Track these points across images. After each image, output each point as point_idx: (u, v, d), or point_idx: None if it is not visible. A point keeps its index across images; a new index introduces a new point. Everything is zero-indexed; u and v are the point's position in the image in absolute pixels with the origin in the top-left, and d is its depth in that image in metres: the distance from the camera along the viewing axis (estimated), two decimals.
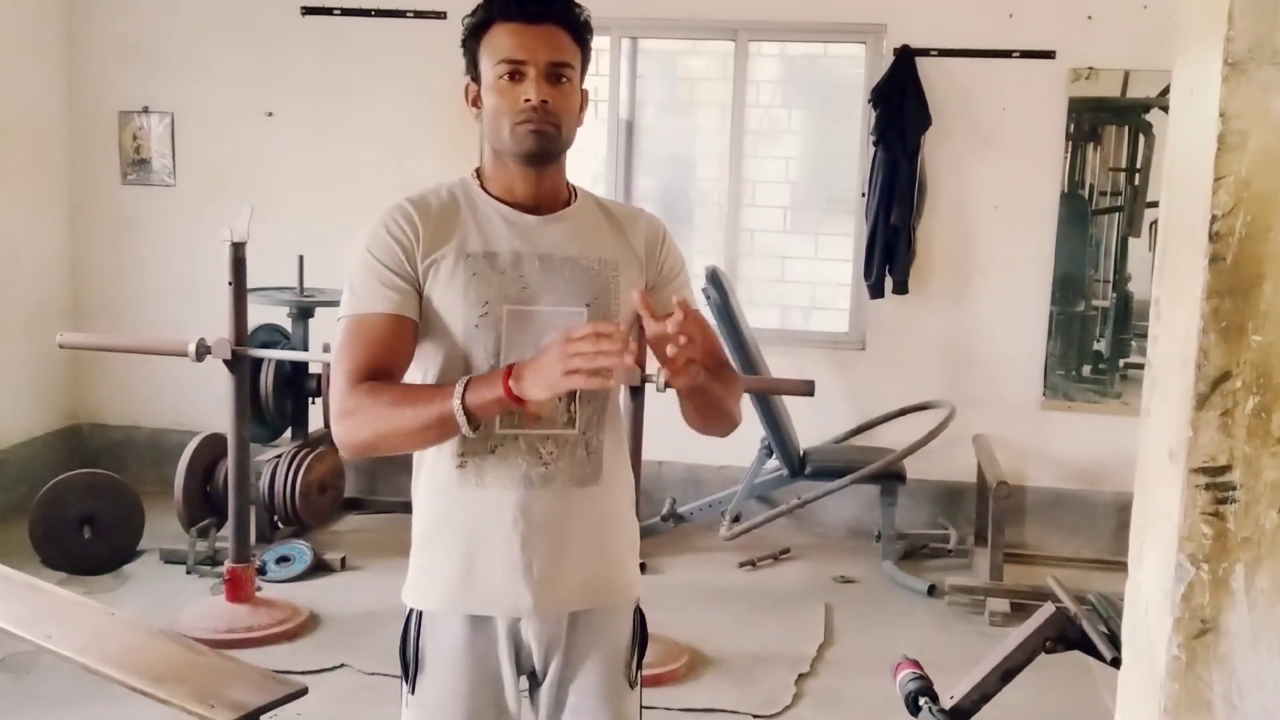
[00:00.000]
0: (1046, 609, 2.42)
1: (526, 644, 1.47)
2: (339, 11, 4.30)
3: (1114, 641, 1.57)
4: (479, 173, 1.50)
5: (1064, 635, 2.37)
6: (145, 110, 4.48)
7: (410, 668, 1.48)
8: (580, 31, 1.44)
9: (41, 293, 4.44)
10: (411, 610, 1.50)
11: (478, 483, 1.44)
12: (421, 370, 1.46)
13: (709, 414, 1.50)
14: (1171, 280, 1.10)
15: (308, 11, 4.32)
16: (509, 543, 1.44)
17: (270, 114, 4.42)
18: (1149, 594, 1.12)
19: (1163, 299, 1.14)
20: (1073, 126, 4.14)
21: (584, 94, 1.48)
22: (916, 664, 2.73)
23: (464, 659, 1.46)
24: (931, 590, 3.81)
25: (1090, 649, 2.33)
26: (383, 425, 1.36)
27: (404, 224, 1.42)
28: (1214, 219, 0.94)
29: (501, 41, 1.40)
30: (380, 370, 1.39)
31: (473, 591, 1.46)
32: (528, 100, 1.38)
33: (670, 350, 1.29)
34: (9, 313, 4.25)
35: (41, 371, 4.40)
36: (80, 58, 4.47)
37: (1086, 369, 4.24)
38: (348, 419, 1.38)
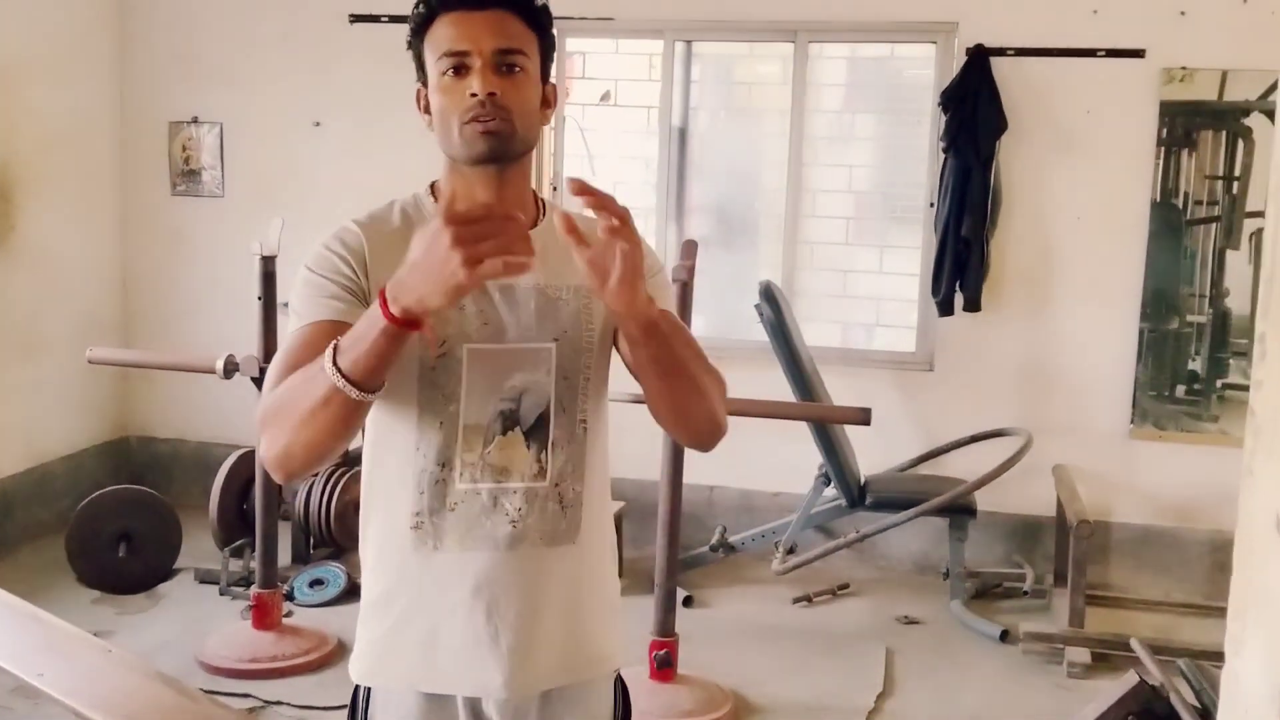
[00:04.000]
0: (1129, 679, 2.12)
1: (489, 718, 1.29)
2: (386, 18, 4.20)
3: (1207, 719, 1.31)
4: (435, 188, 1.32)
5: (1149, 709, 2.06)
6: (195, 120, 4.46)
7: None
8: (535, 16, 1.27)
9: (91, 304, 4.44)
10: (359, 686, 1.32)
11: (435, 545, 1.26)
12: (374, 418, 1.27)
13: (679, 390, 1.22)
14: (1277, 312, 0.86)
15: (355, 19, 4.24)
16: (472, 613, 1.26)
17: (318, 124, 4.36)
18: (1251, 691, 0.88)
19: (1268, 335, 0.90)
20: (1165, 131, 3.81)
21: (550, 89, 1.30)
22: None
23: None
24: (1004, 636, 3.51)
25: None
26: (287, 421, 1.14)
27: (348, 246, 1.26)
28: None
29: (443, 34, 1.24)
30: None
31: (433, 669, 1.28)
32: (473, 94, 1.21)
33: (599, 258, 1.04)
34: (59, 324, 4.25)
35: (90, 383, 4.39)
36: (131, 68, 4.47)
37: (1180, 390, 3.89)
38: (262, 433, 1.18)
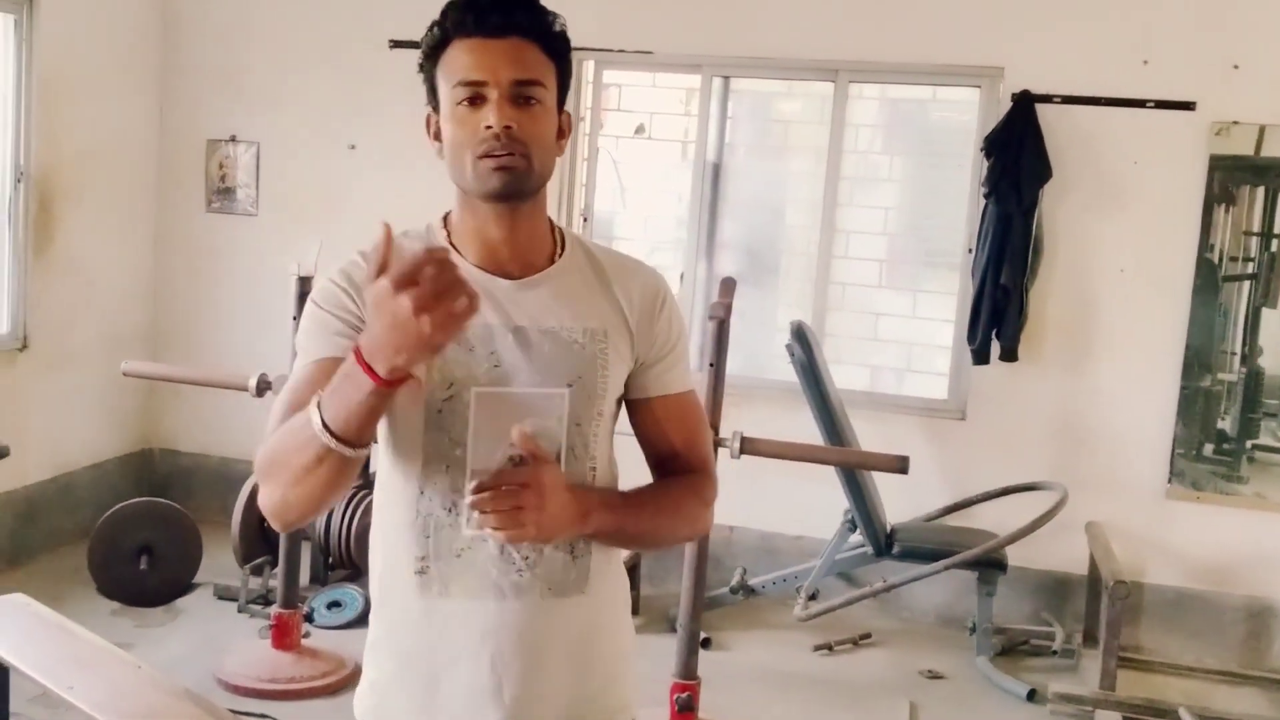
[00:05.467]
0: None
1: None
2: None
3: None
4: (448, 219, 1.29)
5: None
6: (233, 139, 4.49)
7: None
8: (553, 44, 1.22)
9: (121, 316, 4.47)
10: None
11: (440, 591, 1.22)
12: (388, 459, 1.25)
13: (644, 546, 1.34)
14: None
15: (395, 45, 4.26)
16: (476, 662, 1.23)
17: (353, 146, 4.37)
18: None
19: None
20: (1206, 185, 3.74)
21: (565, 118, 1.26)
22: None
23: None
24: (1032, 695, 3.43)
25: None
26: (281, 476, 1.12)
27: (354, 277, 1.22)
28: None
29: (458, 61, 1.20)
30: None
31: (434, 716, 1.25)
32: (488, 127, 1.17)
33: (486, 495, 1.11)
34: (88, 335, 4.28)
35: (116, 395, 4.41)
36: (173, 85, 4.51)
37: (1209, 449, 3.80)
38: (260, 483, 1.16)
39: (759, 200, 4.40)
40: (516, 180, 1.19)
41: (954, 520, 3.93)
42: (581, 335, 1.25)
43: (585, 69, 4.25)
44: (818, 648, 3.73)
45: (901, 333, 4.19)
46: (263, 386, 3.19)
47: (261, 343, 4.19)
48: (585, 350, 1.24)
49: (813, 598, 3.79)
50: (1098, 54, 3.78)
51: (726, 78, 4.22)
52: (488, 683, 1.22)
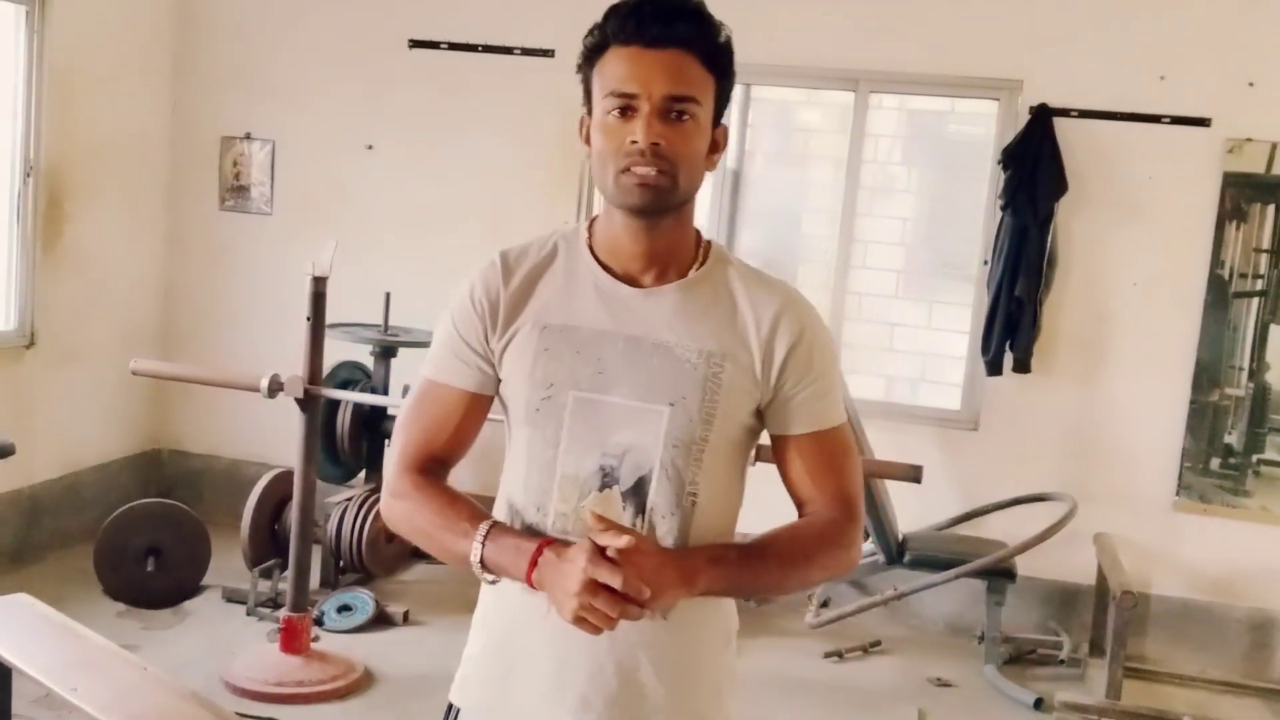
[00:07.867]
0: None
1: None
2: (446, 45, 4.20)
3: None
4: (593, 226, 1.29)
5: None
6: (248, 136, 4.46)
7: None
8: (715, 57, 1.19)
9: (133, 315, 4.43)
10: (451, 705, 1.33)
11: (523, 585, 1.22)
12: (507, 444, 1.30)
13: (769, 594, 1.36)
14: None
15: (415, 44, 4.24)
16: (546, 660, 1.24)
17: (370, 147, 4.35)
18: None
19: None
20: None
21: (719, 132, 1.23)
22: None
23: None
24: (1039, 704, 3.45)
25: None
26: (419, 538, 1.27)
27: (488, 292, 1.26)
28: None
29: (613, 70, 1.18)
30: (436, 456, 1.28)
31: (506, 704, 1.26)
32: (634, 142, 1.16)
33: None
34: (100, 333, 4.24)
35: (125, 394, 4.37)
36: (187, 81, 4.47)
37: (1215, 462, 3.85)
38: (395, 502, 1.28)
39: (778, 208, 4.42)
40: (658, 197, 1.18)
41: (964, 530, 3.96)
42: (696, 355, 1.21)
43: None
44: (828, 654, 3.75)
45: (916, 343, 4.21)
46: (274, 388, 3.17)
47: (274, 343, 4.16)
48: (696, 371, 1.21)
49: (824, 605, 3.81)
50: (1116, 69, 3.81)
51: (748, 85, 4.23)
52: (552, 685, 1.23)
